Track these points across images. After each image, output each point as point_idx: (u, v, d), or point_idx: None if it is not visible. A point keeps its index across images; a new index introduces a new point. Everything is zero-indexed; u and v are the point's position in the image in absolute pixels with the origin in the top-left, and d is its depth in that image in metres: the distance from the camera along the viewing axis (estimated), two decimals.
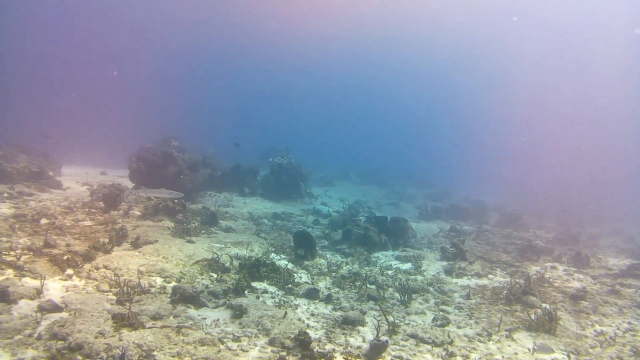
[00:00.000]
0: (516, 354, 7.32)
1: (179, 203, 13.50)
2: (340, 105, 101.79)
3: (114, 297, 7.22)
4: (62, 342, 5.46)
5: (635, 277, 13.90)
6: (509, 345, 7.68)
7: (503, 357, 7.11)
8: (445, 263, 13.99)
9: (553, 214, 30.91)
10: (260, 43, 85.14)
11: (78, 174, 22.24)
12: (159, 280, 8.34)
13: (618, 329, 9.23)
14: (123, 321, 6.13)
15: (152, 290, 7.78)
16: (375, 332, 7.53)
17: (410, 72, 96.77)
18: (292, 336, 6.68)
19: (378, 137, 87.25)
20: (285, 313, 7.67)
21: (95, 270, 8.33)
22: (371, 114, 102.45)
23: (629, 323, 9.71)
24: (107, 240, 9.64)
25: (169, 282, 8.33)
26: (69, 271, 8.13)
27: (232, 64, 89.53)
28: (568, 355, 7.23)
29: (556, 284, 12.60)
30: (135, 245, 9.95)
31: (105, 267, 8.56)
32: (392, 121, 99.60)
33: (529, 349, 7.54)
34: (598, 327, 9.25)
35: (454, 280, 12.33)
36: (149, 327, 6.21)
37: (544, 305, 10.15)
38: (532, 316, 8.98)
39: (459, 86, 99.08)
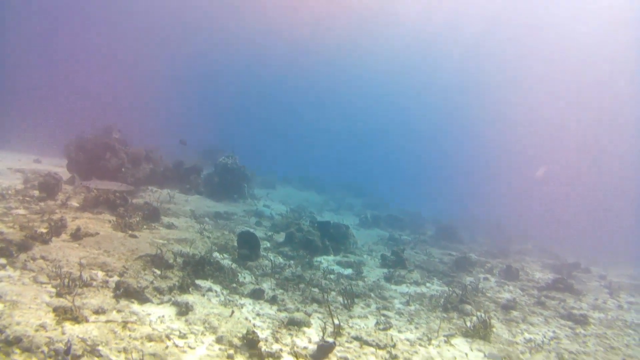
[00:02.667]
0: (455, 358, 7.64)
1: (120, 196, 13.08)
2: (283, 109, 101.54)
3: (53, 290, 6.90)
4: None
5: (559, 290, 14.80)
6: (448, 350, 8.01)
7: None
8: (385, 270, 14.34)
9: (486, 229, 32.39)
10: (205, 37, 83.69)
11: (9, 160, 21.05)
12: (100, 274, 8.05)
13: (544, 337, 9.82)
14: (66, 314, 5.89)
15: (94, 283, 7.50)
16: (321, 334, 7.65)
17: (349, 81, 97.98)
18: (240, 335, 6.66)
19: (319, 144, 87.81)
20: (232, 312, 7.63)
21: (31, 261, 7.93)
22: (312, 121, 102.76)
23: (554, 332, 10.35)
24: (45, 230, 9.21)
25: (111, 276, 8.05)
26: (2, 261, 7.70)
27: (178, 58, 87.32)
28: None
29: (489, 294, 13.21)
30: (76, 237, 9.55)
31: (43, 258, 8.16)
32: (331, 129, 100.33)
33: (466, 354, 7.90)
34: (527, 335, 9.81)
35: (394, 287, 12.66)
36: (93, 322, 6.01)
37: (478, 313, 10.61)
38: (468, 323, 9.40)
39: (396, 97, 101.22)
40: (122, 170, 17.01)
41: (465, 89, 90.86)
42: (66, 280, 7.10)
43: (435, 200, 48.47)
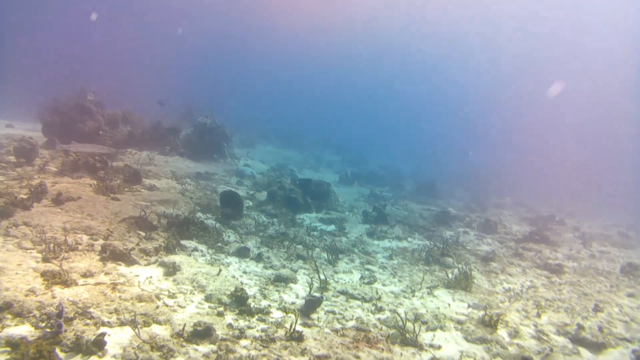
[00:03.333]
0: (438, 308, 7.93)
1: (99, 160, 12.92)
2: (261, 69, 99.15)
3: (39, 255, 6.89)
4: None
5: (535, 241, 15.27)
6: (431, 301, 8.30)
7: (427, 311, 7.68)
8: (367, 226, 14.55)
9: (464, 183, 32.95)
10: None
11: None
12: (85, 238, 8.04)
13: (522, 286, 10.19)
14: (54, 278, 5.92)
15: (79, 247, 7.51)
16: (308, 289, 7.83)
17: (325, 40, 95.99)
18: (229, 293, 6.79)
19: (295, 101, 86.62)
20: (220, 270, 7.73)
21: (14, 227, 7.86)
22: (285, 77, 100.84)
23: (531, 281, 10.75)
24: (25, 196, 9.10)
25: (96, 240, 8.05)
26: None
27: (153, 18, 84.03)
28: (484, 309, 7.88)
29: (469, 247, 13.57)
30: (57, 202, 9.46)
31: (25, 224, 8.09)
32: (306, 86, 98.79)
33: (448, 304, 8.19)
34: (506, 285, 10.18)
35: (377, 242, 12.91)
36: (82, 285, 6.06)
37: (459, 265, 10.94)
38: (450, 275, 9.70)
39: (375, 57, 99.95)
40: (99, 133, 16.74)
41: (446, 48, 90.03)
42: (51, 245, 7.09)
43: (414, 157, 48.78)
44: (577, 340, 7.38)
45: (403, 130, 74.82)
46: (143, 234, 8.93)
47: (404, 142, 62.99)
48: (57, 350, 4.51)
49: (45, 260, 6.70)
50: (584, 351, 7.16)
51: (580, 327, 7.67)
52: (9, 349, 4.40)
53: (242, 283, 7.65)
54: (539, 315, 8.29)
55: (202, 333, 5.41)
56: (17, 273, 6.00)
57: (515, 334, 7.28)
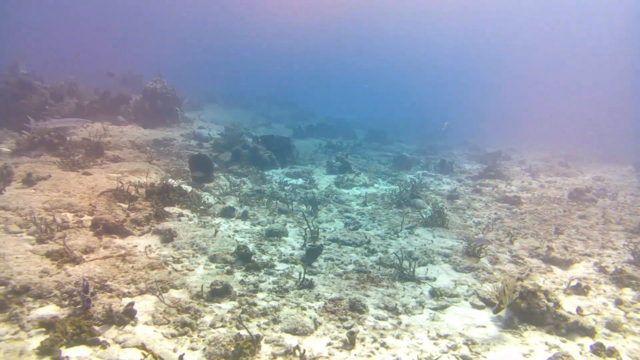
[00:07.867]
0: (424, 245, 8.49)
1: (57, 135, 12.47)
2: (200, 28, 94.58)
3: (31, 237, 6.78)
4: (3, 286, 5.16)
5: (490, 177, 16.21)
6: (415, 239, 8.84)
7: (415, 248, 8.20)
8: (333, 176, 14.92)
9: (408, 130, 34.04)
10: None
11: None
12: (69, 215, 7.94)
13: (489, 218, 10.93)
14: (62, 257, 5.93)
15: (69, 225, 7.43)
16: (300, 240, 8.16)
17: None
18: (231, 251, 6.99)
19: (237, 60, 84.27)
20: (216, 231, 7.89)
21: None
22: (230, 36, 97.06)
23: (495, 213, 11.57)
24: None
25: (81, 216, 7.97)
26: None
27: None
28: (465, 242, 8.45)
29: (432, 188, 14.31)
30: (29, 182, 9.18)
31: (3, 208, 7.87)
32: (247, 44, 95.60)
33: (431, 240, 8.76)
34: (475, 219, 10.90)
35: (346, 190, 13.34)
36: (92, 260, 6.09)
37: (428, 206, 11.57)
38: (424, 215, 10.27)
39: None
40: (45, 107, 16.01)
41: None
42: (42, 226, 6.98)
43: (355, 108, 49.66)
44: (548, 259, 8.15)
45: (342, 85, 75.39)
46: (125, 205, 8.88)
47: (344, 95, 63.76)
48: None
49: (40, 241, 6.61)
50: (555, 268, 7.93)
51: (550, 248, 8.42)
52: (44, 329, 4.48)
53: (237, 241, 7.84)
54: (511, 242, 9.01)
55: (220, 291, 5.64)
56: (17, 257, 5.93)
57: (495, 260, 7.94)
